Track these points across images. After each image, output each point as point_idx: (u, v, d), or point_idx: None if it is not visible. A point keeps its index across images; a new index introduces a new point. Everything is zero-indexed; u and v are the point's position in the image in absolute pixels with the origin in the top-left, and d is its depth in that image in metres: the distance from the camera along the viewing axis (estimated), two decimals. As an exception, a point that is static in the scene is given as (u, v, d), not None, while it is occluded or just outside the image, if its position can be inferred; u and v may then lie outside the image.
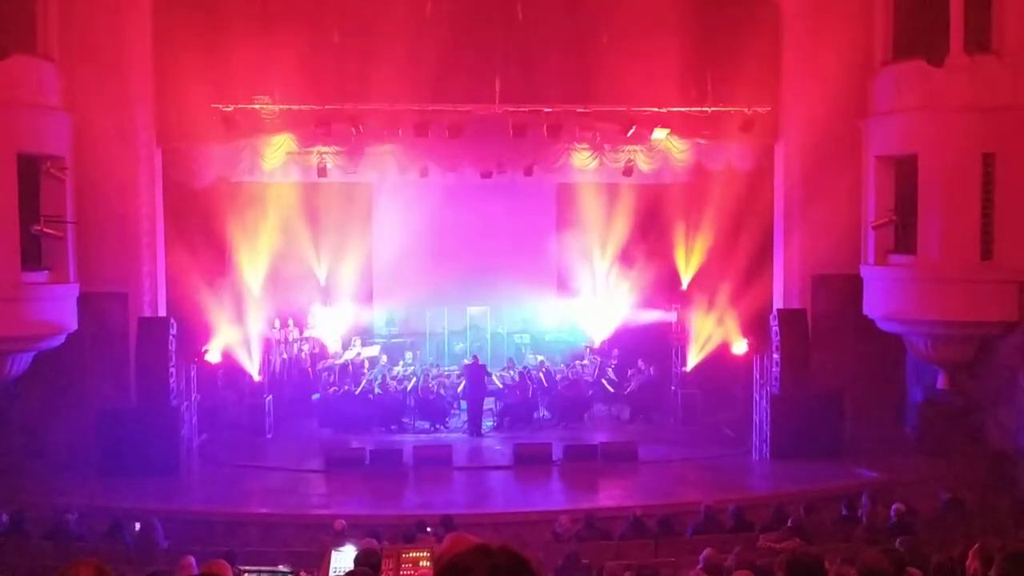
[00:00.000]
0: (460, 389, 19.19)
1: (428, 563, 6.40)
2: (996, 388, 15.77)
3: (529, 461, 16.23)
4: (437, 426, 18.76)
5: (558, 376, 19.54)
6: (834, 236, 17.02)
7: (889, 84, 16.16)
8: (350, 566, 6.71)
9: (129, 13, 16.31)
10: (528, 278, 21.48)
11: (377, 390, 18.68)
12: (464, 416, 18.83)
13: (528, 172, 19.22)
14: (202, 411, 17.35)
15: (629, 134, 17.67)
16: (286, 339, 20.11)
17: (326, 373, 19.51)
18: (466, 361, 19.34)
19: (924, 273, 15.66)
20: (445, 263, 21.32)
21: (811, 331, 17.03)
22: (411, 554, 6.77)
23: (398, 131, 17.21)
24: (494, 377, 19.04)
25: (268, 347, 18.76)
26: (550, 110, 17.12)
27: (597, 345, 20.66)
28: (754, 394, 17.18)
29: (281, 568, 9.34)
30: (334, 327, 20.66)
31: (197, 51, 16.09)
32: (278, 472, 16.22)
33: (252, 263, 19.01)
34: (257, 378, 18.24)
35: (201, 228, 18.09)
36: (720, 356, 18.56)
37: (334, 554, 7.65)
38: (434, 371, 19.62)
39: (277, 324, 19.82)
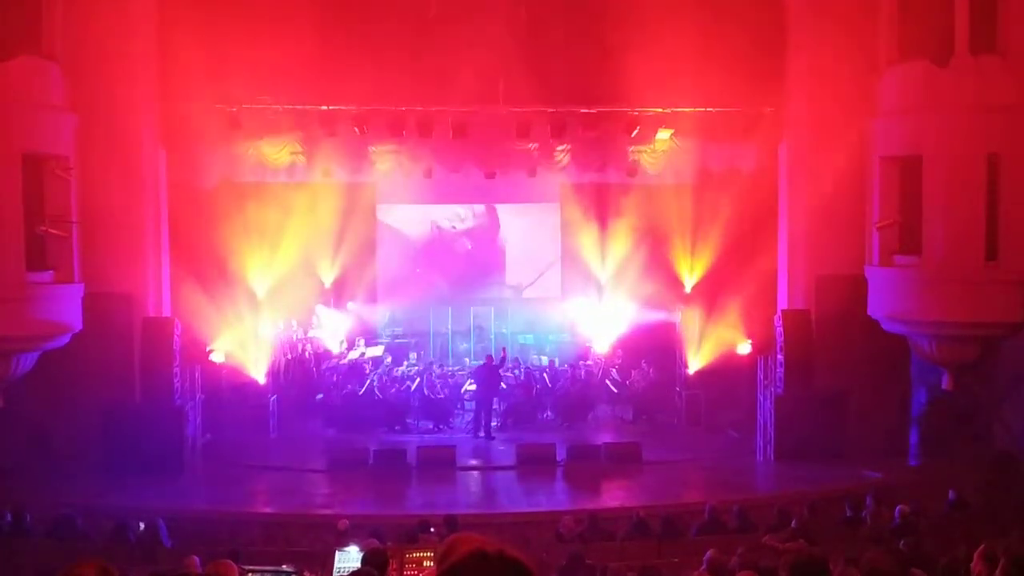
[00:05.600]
0: (463, 390, 19.18)
1: (432, 563, 6.41)
2: (1001, 389, 15.74)
3: (533, 461, 16.22)
4: (441, 426, 18.76)
5: (562, 376, 19.54)
6: (838, 237, 16.99)
7: (894, 85, 16.12)
8: (354, 566, 6.71)
9: (134, 14, 16.33)
10: (532, 278, 21.49)
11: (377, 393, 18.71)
12: (467, 416, 18.82)
13: (532, 172, 19.24)
14: (206, 411, 17.37)
15: (633, 135, 17.68)
16: (290, 339, 20.13)
17: (330, 373, 19.52)
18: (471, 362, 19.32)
19: (929, 274, 15.62)
20: (449, 263, 21.34)
21: (815, 332, 17.01)
22: (415, 554, 6.79)
23: (402, 131, 17.23)
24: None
25: (272, 347, 18.77)
26: (554, 110, 17.14)
27: (601, 346, 20.64)
28: (758, 395, 17.16)
29: (285, 568, 9.34)
30: (338, 327, 20.68)
31: (202, 52, 16.09)
32: (282, 472, 16.24)
33: (256, 263, 19.02)
34: (261, 378, 18.25)
35: (205, 228, 18.11)
36: (724, 357, 18.54)
37: (338, 554, 7.67)
38: (438, 371, 19.63)
39: (281, 324, 19.83)
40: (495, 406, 18.78)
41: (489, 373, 18.24)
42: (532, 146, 18.31)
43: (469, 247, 21.97)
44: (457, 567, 2.58)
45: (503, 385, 18.93)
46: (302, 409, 19.43)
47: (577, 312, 21.42)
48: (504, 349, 19.47)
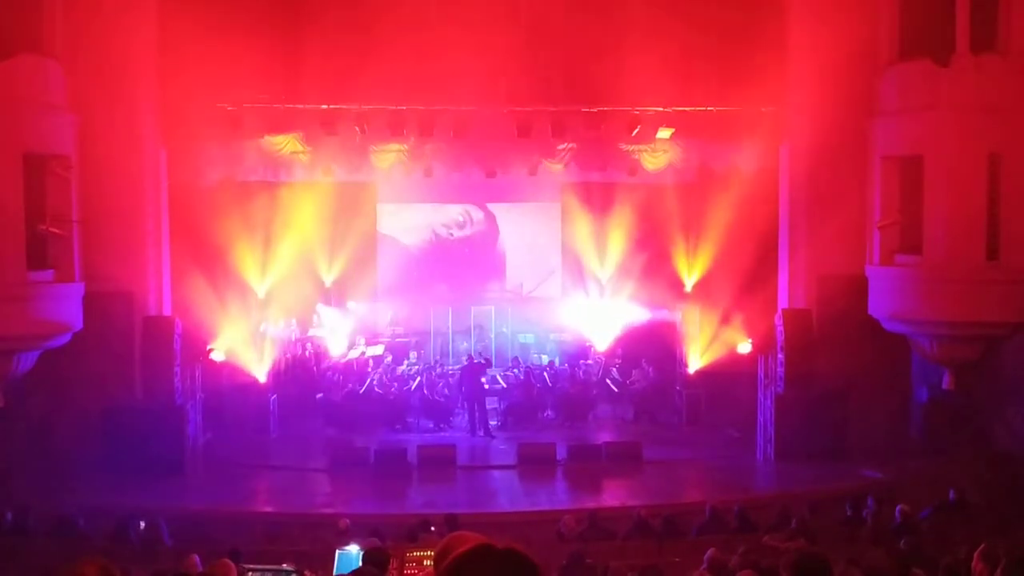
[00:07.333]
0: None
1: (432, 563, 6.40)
2: (1002, 389, 15.73)
3: (533, 461, 16.22)
4: (441, 425, 18.76)
5: (562, 376, 19.53)
6: (840, 236, 16.98)
7: (895, 84, 16.13)
8: (355, 565, 6.71)
9: (135, 12, 16.34)
10: (532, 282, 21.49)
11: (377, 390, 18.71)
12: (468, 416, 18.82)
13: (533, 172, 19.24)
14: (207, 410, 17.36)
15: (634, 134, 17.69)
16: (291, 338, 20.13)
17: (330, 372, 19.52)
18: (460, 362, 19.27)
19: (930, 273, 15.63)
20: (448, 271, 21.34)
21: (816, 331, 17.00)
22: (415, 553, 6.79)
23: (403, 131, 17.24)
24: (498, 377, 18.99)
25: (273, 346, 18.76)
26: (555, 110, 17.14)
27: (601, 345, 20.63)
28: (759, 394, 17.15)
29: (285, 567, 9.34)
30: (339, 326, 20.67)
31: (202, 50, 16.07)
32: (283, 471, 16.25)
33: (257, 262, 19.03)
34: (262, 377, 18.25)
35: (206, 227, 18.10)
36: (724, 356, 18.53)
37: (338, 553, 7.67)
38: (438, 370, 19.62)
39: (282, 323, 19.82)
40: (495, 405, 18.77)
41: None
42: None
43: (468, 253, 21.96)
44: (464, 560, 2.57)
45: (502, 384, 18.92)
46: (302, 408, 19.42)
47: (577, 311, 21.41)
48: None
